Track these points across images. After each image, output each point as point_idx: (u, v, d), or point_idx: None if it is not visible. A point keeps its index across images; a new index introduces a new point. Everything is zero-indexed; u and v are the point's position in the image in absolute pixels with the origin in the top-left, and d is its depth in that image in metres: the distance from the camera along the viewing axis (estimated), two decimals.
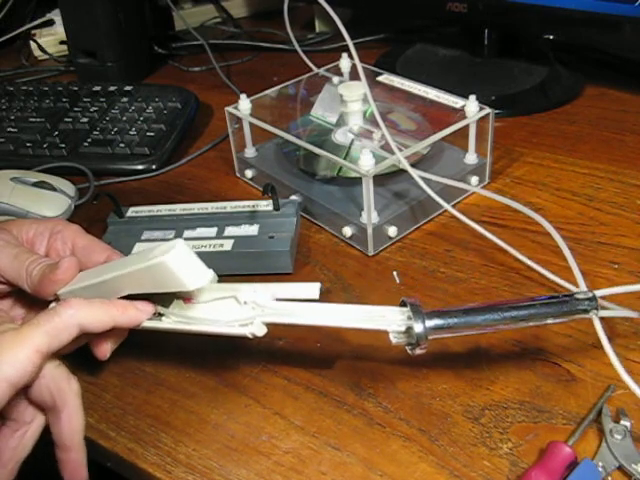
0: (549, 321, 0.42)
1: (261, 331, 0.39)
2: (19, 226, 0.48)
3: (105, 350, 0.44)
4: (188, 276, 0.38)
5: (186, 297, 0.42)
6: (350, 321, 0.40)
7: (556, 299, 0.42)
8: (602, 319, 0.43)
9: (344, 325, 0.40)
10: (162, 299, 0.42)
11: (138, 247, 0.56)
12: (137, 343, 0.45)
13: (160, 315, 0.41)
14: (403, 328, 0.40)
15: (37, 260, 0.44)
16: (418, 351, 0.40)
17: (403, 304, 0.41)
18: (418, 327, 0.39)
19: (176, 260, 0.38)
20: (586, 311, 0.42)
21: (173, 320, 0.41)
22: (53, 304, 0.45)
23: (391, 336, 0.40)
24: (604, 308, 0.45)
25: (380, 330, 0.40)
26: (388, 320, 0.40)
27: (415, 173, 0.56)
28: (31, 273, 0.43)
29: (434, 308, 0.41)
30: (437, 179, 0.57)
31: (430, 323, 0.40)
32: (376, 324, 0.40)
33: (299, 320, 0.40)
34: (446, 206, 0.56)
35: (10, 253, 0.44)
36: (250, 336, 0.39)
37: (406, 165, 0.56)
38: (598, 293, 0.43)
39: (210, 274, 0.39)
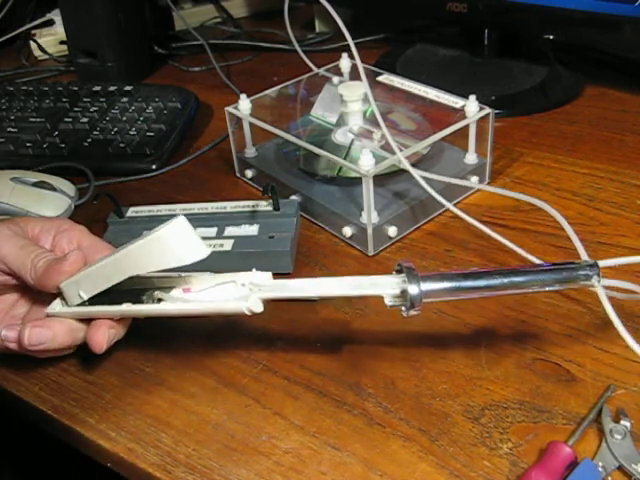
0: (549, 288, 0.41)
1: (258, 307, 0.38)
2: (25, 222, 0.48)
3: (100, 342, 0.43)
4: (185, 250, 0.38)
5: (185, 287, 0.42)
6: (345, 289, 0.39)
7: (557, 266, 0.41)
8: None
9: (340, 294, 0.40)
10: (161, 289, 0.42)
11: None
12: (137, 343, 0.45)
13: (159, 300, 0.41)
14: (398, 291, 0.39)
15: (43, 253, 0.44)
16: (412, 312, 0.39)
17: (399, 270, 0.40)
18: (413, 289, 0.39)
19: (174, 234, 0.38)
20: (588, 278, 0.41)
21: (171, 304, 0.41)
22: (57, 300, 0.45)
23: (386, 300, 0.40)
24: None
25: (375, 295, 0.39)
26: (383, 285, 0.40)
27: (416, 173, 0.56)
28: (36, 265, 0.43)
29: (430, 272, 0.40)
30: (438, 178, 0.57)
31: (425, 286, 0.39)
32: (371, 290, 0.39)
33: (295, 293, 0.39)
34: (448, 205, 0.56)
35: (16, 244, 0.45)
36: (247, 312, 0.38)
37: (407, 165, 0.56)
38: (601, 263, 0.42)
39: (208, 251, 0.39)
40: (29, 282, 0.44)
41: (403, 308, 0.40)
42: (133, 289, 0.42)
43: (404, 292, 0.39)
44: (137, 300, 0.42)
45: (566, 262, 0.42)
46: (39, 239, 0.47)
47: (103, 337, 0.43)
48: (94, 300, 0.43)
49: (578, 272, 0.41)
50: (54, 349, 0.44)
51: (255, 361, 0.48)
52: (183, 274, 0.43)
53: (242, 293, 0.39)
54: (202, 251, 0.39)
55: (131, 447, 0.43)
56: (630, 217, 0.58)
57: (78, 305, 0.44)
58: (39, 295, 0.46)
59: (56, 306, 0.45)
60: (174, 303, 0.41)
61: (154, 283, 0.43)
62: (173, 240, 0.38)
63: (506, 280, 0.40)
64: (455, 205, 0.61)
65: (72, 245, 0.47)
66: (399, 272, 0.41)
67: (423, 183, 0.56)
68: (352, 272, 0.55)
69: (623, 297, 0.46)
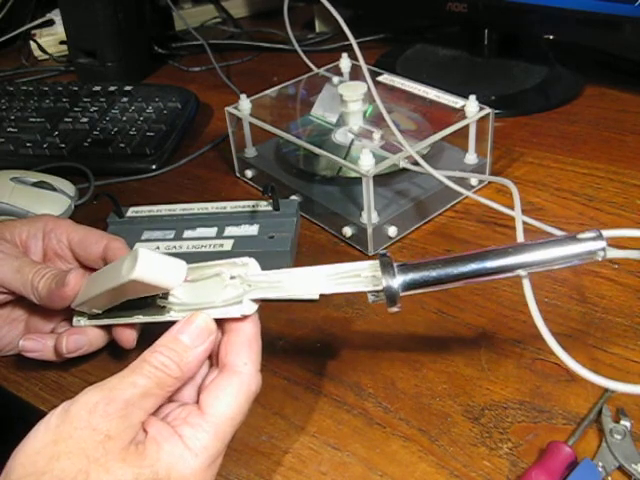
0: (546, 268, 0.38)
1: (251, 309, 0.38)
2: (11, 229, 0.47)
3: (130, 340, 0.45)
4: (164, 279, 0.38)
5: None
6: (331, 287, 0.39)
7: (553, 242, 0.37)
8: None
9: (326, 292, 0.39)
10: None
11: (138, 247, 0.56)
12: (137, 343, 0.45)
13: (162, 308, 0.41)
14: (380, 287, 0.38)
15: (40, 272, 0.44)
16: (395, 309, 0.38)
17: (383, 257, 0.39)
18: (393, 283, 0.37)
19: (144, 272, 0.38)
20: (592, 253, 0.37)
21: (176, 310, 0.41)
22: (77, 316, 0.46)
23: (369, 296, 0.39)
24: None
25: (358, 292, 0.38)
26: (365, 280, 0.38)
27: (428, 166, 0.55)
28: (37, 287, 0.43)
29: (409, 260, 0.38)
30: (447, 173, 0.57)
31: (404, 278, 0.37)
32: (355, 287, 0.38)
33: (284, 293, 0.39)
34: (467, 193, 0.56)
35: (12, 266, 0.44)
36: (240, 316, 0.38)
37: (419, 159, 0.55)
38: (605, 233, 0.37)
39: (185, 266, 0.39)
40: (34, 302, 0.44)
41: (388, 305, 0.38)
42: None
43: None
44: (145, 305, 0.42)
45: (566, 236, 0.37)
46: (28, 247, 0.47)
47: (131, 335, 0.45)
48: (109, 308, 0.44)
49: (581, 245, 0.36)
50: (89, 352, 0.46)
51: None
52: None
53: (233, 293, 0.39)
54: (180, 270, 0.39)
55: None
56: (630, 217, 0.58)
57: (96, 316, 0.45)
58: None
59: (80, 319, 0.46)
60: (176, 311, 0.41)
61: None
62: (146, 278, 0.38)
63: (496, 265, 0.37)
64: (455, 205, 0.61)
65: (63, 243, 0.47)
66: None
67: (437, 175, 0.55)
68: None
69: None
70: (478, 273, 0.37)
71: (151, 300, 0.42)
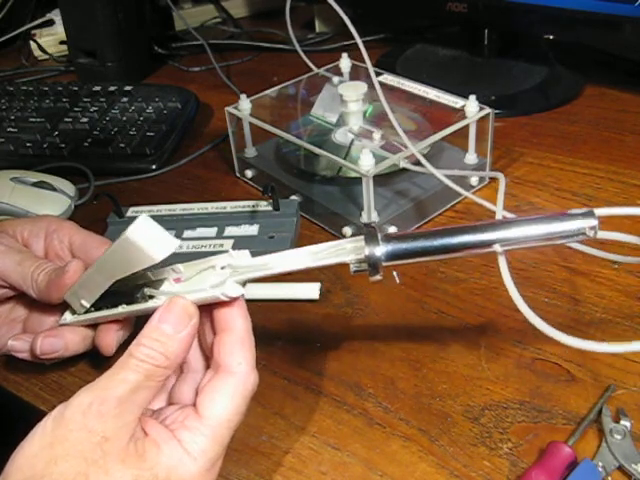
0: (536, 244, 0.37)
1: (235, 291, 0.38)
2: (14, 227, 0.47)
3: (109, 346, 0.44)
4: (153, 248, 0.38)
5: (175, 277, 0.42)
6: (315, 261, 0.39)
7: (544, 218, 0.36)
8: None
9: (311, 265, 0.39)
10: (154, 283, 0.42)
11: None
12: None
13: (150, 297, 0.41)
14: (362, 256, 0.37)
15: (42, 266, 0.44)
16: (377, 277, 0.37)
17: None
18: (376, 252, 0.37)
19: (138, 234, 0.37)
20: (582, 231, 0.36)
21: (161, 299, 0.41)
22: (67, 311, 0.45)
23: (351, 266, 0.38)
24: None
25: (340, 263, 0.38)
26: (348, 251, 0.38)
27: (430, 166, 0.55)
28: (37, 279, 0.43)
29: (397, 232, 0.38)
30: (449, 173, 0.57)
31: (386, 248, 0.37)
32: (338, 258, 0.38)
33: (270, 271, 0.39)
34: (465, 193, 0.56)
35: (14, 259, 0.44)
36: (224, 297, 0.38)
37: (421, 158, 0.55)
38: (597, 212, 0.36)
39: (176, 243, 0.39)
40: (32, 295, 0.44)
41: (369, 274, 0.38)
42: (130, 288, 0.42)
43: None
44: (132, 299, 0.42)
45: (558, 213, 0.37)
46: (30, 244, 0.47)
47: (112, 340, 0.44)
48: (98, 304, 0.43)
49: (570, 225, 0.36)
50: (66, 357, 0.45)
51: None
52: (173, 265, 0.43)
53: (220, 279, 0.39)
54: (170, 245, 0.38)
55: None
56: (630, 217, 0.58)
57: (83, 313, 0.44)
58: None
59: (67, 316, 0.45)
60: (161, 299, 0.41)
61: (149, 277, 0.43)
62: (139, 240, 0.38)
63: (481, 238, 0.36)
64: (454, 205, 0.61)
65: (64, 245, 0.47)
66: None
67: (439, 175, 0.55)
68: None
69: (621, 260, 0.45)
70: (466, 245, 0.37)
71: (139, 294, 0.42)
